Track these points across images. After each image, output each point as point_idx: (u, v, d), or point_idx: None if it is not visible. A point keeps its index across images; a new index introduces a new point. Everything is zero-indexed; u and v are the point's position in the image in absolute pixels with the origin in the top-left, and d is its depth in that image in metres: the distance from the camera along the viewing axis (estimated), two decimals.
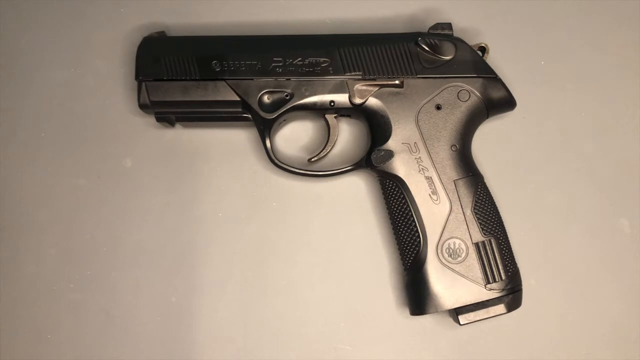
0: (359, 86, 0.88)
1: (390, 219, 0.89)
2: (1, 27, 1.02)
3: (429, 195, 0.86)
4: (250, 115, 0.90)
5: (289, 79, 0.88)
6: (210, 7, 1.01)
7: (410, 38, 0.89)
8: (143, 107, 0.90)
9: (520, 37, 0.99)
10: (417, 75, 0.88)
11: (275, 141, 0.97)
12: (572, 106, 0.98)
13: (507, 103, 0.90)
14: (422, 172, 0.86)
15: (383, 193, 0.90)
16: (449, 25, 0.90)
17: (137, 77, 0.89)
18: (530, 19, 1.00)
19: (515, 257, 0.86)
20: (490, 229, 0.85)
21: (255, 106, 0.88)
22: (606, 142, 0.97)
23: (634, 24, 1.00)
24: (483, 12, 1.00)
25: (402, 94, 0.88)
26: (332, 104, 0.88)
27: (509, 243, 0.86)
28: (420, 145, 0.87)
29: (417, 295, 0.85)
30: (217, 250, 0.95)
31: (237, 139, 0.97)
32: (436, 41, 0.88)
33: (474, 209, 0.85)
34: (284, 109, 0.88)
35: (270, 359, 0.92)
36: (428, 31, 0.90)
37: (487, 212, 0.85)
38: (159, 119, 0.92)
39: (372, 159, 0.87)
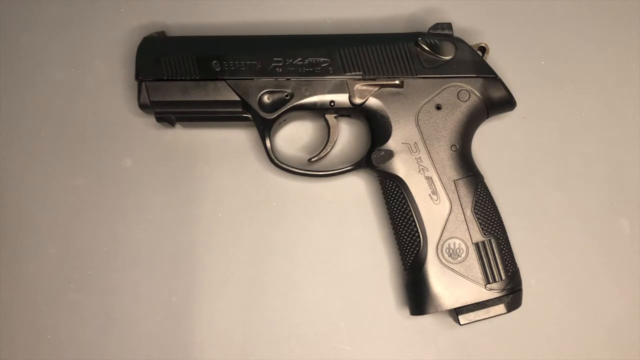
0: (359, 86, 0.88)
1: (390, 219, 0.89)
2: (1, 27, 1.02)
3: (429, 195, 0.86)
4: (250, 115, 0.90)
5: (289, 79, 0.88)
6: (210, 7, 1.01)
7: (410, 38, 0.89)
8: (143, 107, 0.90)
9: (520, 37, 0.99)
10: (417, 75, 0.88)
11: (275, 141, 0.97)
12: (572, 106, 0.98)
13: (507, 103, 0.90)
14: (422, 172, 0.86)
15: (383, 193, 0.90)
16: (449, 25, 0.90)
17: (137, 77, 0.89)
18: (530, 19, 1.00)
19: (515, 257, 0.86)
20: (490, 229, 0.85)
21: (255, 106, 0.88)
22: (606, 142, 0.97)
23: (634, 24, 1.00)
24: (483, 12, 1.00)
25: (402, 94, 0.88)
26: (332, 104, 0.88)
27: (509, 243, 0.86)
28: (420, 145, 0.87)
29: (417, 295, 0.85)
30: (217, 250, 0.95)
31: (237, 139, 0.97)
32: (436, 41, 0.88)
33: (474, 209, 0.85)
34: (284, 109, 0.88)
35: (270, 359, 0.92)
36: (428, 31, 0.90)
37: (487, 212, 0.86)
38: (159, 119, 0.92)
39: (372, 159, 0.87)
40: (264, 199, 0.96)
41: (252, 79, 0.88)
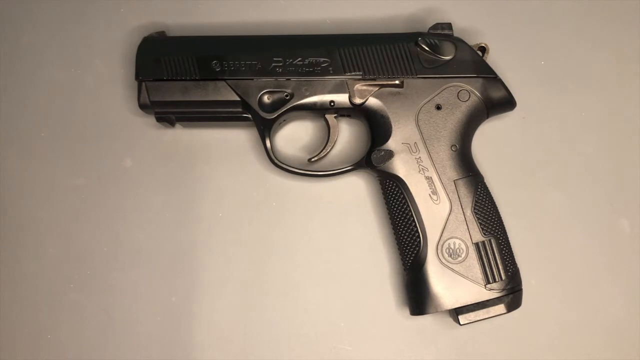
0: (359, 86, 0.88)
1: (390, 219, 0.89)
2: (1, 27, 1.02)
3: (429, 195, 0.86)
4: (250, 115, 0.90)
5: (289, 79, 0.88)
6: (210, 7, 1.01)
7: (410, 38, 0.89)
8: (143, 107, 0.90)
9: (520, 37, 0.99)
10: (417, 75, 0.88)
11: (275, 141, 0.97)
12: (572, 106, 0.98)
13: (507, 103, 0.90)
14: (422, 172, 0.86)
15: (383, 193, 0.90)
16: (449, 25, 0.90)
17: (137, 77, 0.89)
18: (530, 19, 1.00)
19: (515, 257, 0.86)
20: (490, 229, 0.85)
21: (255, 106, 0.88)
22: (606, 142, 0.97)
23: (634, 24, 1.00)
24: (483, 12, 1.00)
25: (402, 94, 0.88)
26: (332, 104, 0.88)
27: (509, 243, 0.86)
28: (420, 145, 0.87)
29: (417, 295, 0.85)
30: (217, 250, 0.95)
31: (237, 139, 0.97)
32: (436, 41, 0.88)
33: (474, 209, 0.85)
34: (284, 109, 0.88)
35: (270, 359, 0.92)
36: (428, 31, 0.90)
37: (487, 212, 0.86)
38: (159, 119, 0.92)
39: (372, 159, 0.87)
40: (264, 199, 0.96)
41: (252, 79, 0.88)
